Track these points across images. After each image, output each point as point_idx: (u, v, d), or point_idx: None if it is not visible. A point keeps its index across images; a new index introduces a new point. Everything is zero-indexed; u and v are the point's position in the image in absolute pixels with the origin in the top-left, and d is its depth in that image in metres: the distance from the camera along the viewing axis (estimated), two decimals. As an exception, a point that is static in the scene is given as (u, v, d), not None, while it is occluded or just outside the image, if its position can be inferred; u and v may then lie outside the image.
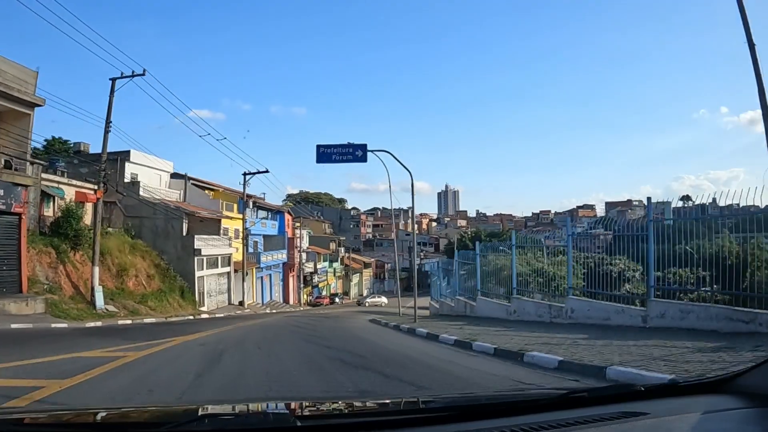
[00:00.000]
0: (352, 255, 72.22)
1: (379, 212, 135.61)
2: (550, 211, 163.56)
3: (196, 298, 26.96)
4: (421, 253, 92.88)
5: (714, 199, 8.92)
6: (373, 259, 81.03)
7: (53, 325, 14.67)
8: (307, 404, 2.21)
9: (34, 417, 1.79)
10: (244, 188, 32.97)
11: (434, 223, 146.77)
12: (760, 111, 9.65)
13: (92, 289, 18.69)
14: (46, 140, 35.31)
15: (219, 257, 30.94)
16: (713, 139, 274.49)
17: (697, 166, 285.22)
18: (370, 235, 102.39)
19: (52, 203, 23.84)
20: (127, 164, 29.80)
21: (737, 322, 7.54)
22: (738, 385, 1.85)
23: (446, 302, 20.56)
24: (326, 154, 15.43)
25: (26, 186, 18.07)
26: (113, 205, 29.48)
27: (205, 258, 28.57)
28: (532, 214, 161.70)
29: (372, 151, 15.58)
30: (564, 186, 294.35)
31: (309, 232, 56.78)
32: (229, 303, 32.05)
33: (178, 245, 27.44)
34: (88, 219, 27.84)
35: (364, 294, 65.08)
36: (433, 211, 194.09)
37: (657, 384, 2.36)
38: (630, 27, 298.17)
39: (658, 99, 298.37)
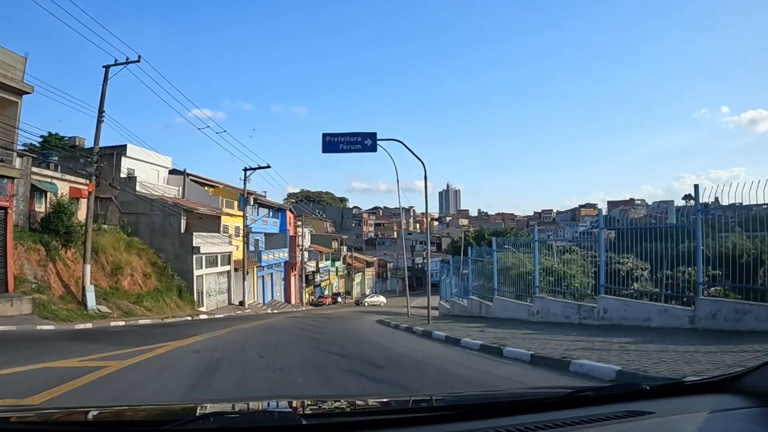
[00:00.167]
0: (355, 254, 71.20)
1: (381, 211, 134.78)
2: (552, 210, 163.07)
3: (195, 298, 25.85)
4: (423, 252, 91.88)
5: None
6: (375, 258, 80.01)
7: (39, 327, 13.62)
8: (310, 403, 2.17)
9: (21, 416, 1.75)
10: (245, 184, 31.89)
11: (436, 223, 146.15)
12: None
13: (83, 288, 17.62)
14: (42, 136, 34.41)
15: (219, 255, 29.82)
16: (714, 138, 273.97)
17: (698, 166, 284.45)
18: (372, 234, 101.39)
19: (44, 199, 22.82)
20: (123, 159, 28.66)
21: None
22: (743, 384, 1.83)
23: (458, 302, 19.46)
24: (333, 144, 14.33)
25: (12, 178, 16.99)
26: (109, 201, 28.42)
27: (204, 256, 27.45)
28: (534, 213, 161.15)
29: (382, 139, 14.49)
30: (565, 185, 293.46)
31: (311, 231, 55.73)
32: (229, 303, 30.94)
33: (176, 243, 26.34)
34: (82, 215, 26.88)
35: (367, 293, 64.02)
36: (434, 210, 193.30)
37: (662, 383, 2.30)
38: (631, 26, 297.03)
39: (659, 98, 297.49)
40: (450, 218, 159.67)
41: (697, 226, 8.93)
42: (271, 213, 42.30)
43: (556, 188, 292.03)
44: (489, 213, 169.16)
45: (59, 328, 14.09)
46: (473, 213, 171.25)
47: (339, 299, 52.30)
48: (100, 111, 18.59)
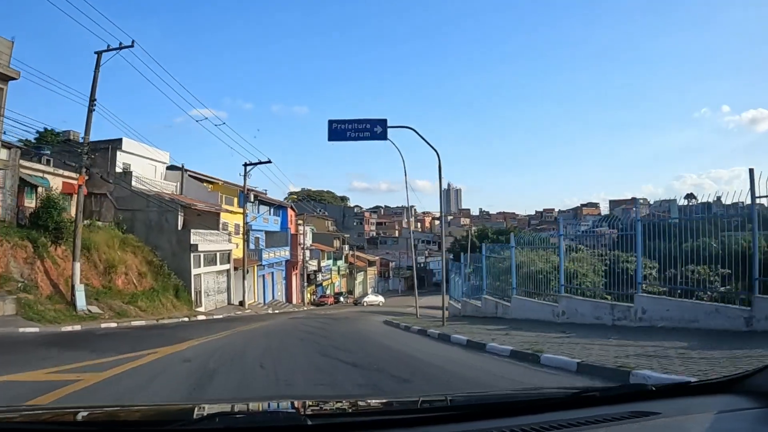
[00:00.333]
0: (357, 253, 70.11)
1: (382, 210, 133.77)
2: (553, 209, 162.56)
3: (193, 298, 24.74)
4: (426, 252, 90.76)
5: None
6: (377, 258, 78.87)
7: (21, 330, 12.55)
8: (311, 403, 2.12)
9: (8, 417, 1.67)
10: (245, 180, 30.78)
11: (437, 222, 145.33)
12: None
13: (73, 287, 16.55)
14: (38, 131, 33.44)
15: (218, 254, 28.72)
16: (715, 137, 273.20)
17: (699, 165, 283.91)
18: (374, 233, 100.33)
19: (35, 194, 21.78)
20: (118, 153, 27.59)
21: None
22: (749, 384, 1.81)
23: (470, 302, 18.38)
24: (340, 131, 13.24)
25: (-3, 169, 15.93)
26: (103, 197, 27.34)
27: (202, 254, 26.34)
28: (536, 212, 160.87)
29: (392, 127, 13.38)
30: (565, 185, 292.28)
31: (312, 229, 54.66)
32: (229, 303, 29.84)
33: (173, 240, 25.24)
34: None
35: (369, 292, 62.96)
36: (435, 209, 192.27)
37: (668, 384, 2.40)
38: (632, 25, 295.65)
39: (660, 97, 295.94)
40: (451, 217, 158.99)
41: (753, 216, 8.01)
42: (272, 211, 41.21)
43: (556, 188, 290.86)
44: (490, 212, 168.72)
45: (44, 330, 13.03)
46: (474, 212, 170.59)
47: (341, 299, 51.25)
48: (92, 99, 17.53)
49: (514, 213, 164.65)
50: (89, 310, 16.56)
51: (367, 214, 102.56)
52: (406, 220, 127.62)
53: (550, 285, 13.62)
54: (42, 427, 1.57)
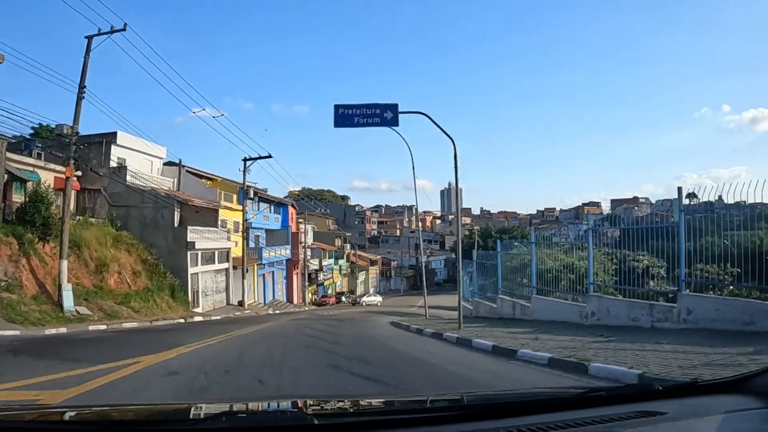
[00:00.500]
0: (358, 252, 69.03)
1: (383, 209, 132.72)
2: (555, 208, 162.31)
3: (189, 298, 23.62)
4: (428, 251, 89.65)
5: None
6: (379, 257, 77.78)
7: (1, 333, 11.49)
8: (312, 403, 2.08)
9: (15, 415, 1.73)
10: (244, 175, 29.66)
11: (438, 221, 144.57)
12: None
13: (59, 287, 15.47)
14: (33, 127, 32.42)
15: (216, 252, 27.61)
16: (715, 137, 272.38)
17: (699, 165, 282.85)
18: (375, 232, 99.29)
19: (24, 189, 20.70)
20: (113, 147, 26.51)
21: None
22: (757, 384, 1.79)
23: (484, 302, 17.28)
24: (346, 116, 12.12)
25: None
26: (97, 193, 26.28)
27: (199, 252, 25.23)
28: (537, 211, 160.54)
29: (404, 112, 12.27)
30: (566, 184, 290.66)
31: (313, 228, 53.59)
32: (228, 303, 28.73)
33: (169, 238, 24.13)
34: (69, 208, 24.74)
35: (371, 291, 61.89)
36: (436, 208, 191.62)
37: (675, 383, 2.41)
38: (632, 25, 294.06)
39: (660, 97, 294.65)
40: (452, 216, 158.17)
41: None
42: (272, 208, 40.10)
43: (556, 187, 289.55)
44: (491, 211, 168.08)
45: (25, 333, 11.96)
46: (476, 212, 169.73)
47: (343, 299, 50.20)
48: (81, 86, 16.46)
49: (515, 212, 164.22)
50: (77, 311, 15.47)
51: (368, 213, 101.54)
52: (407, 219, 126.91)
53: (577, 283, 12.64)
54: (49, 426, 1.57)
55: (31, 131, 30.72)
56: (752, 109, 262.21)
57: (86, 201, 26.20)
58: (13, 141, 23.25)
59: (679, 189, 9.28)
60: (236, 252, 29.66)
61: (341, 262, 60.22)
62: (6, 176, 19.13)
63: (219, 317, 22.04)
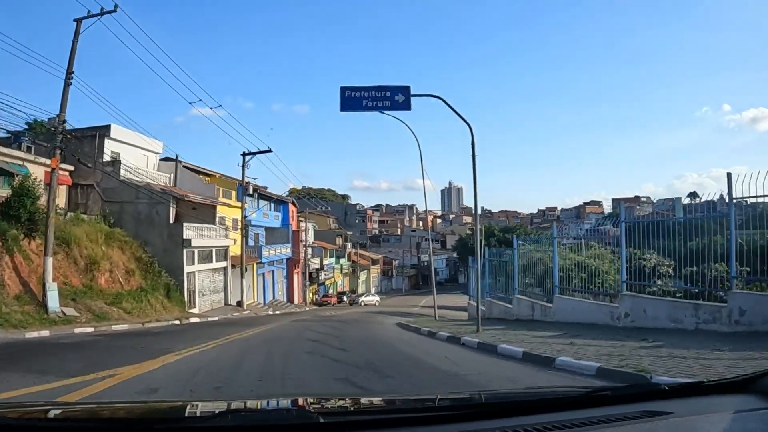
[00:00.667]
0: (359, 251, 67.99)
1: (384, 209, 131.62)
2: (556, 207, 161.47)
3: (185, 298, 22.53)
4: (428, 250, 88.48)
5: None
6: (380, 256, 76.71)
7: (-26, 337, 10.47)
8: (312, 401, 2.00)
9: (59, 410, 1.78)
10: (243, 170, 28.58)
11: (439, 220, 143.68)
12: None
13: (44, 286, 14.42)
14: (27, 123, 31.40)
15: (213, 250, 26.52)
16: (715, 137, 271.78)
17: (700, 165, 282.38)
18: (376, 231, 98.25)
19: (12, 183, 19.65)
20: (107, 141, 25.46)
21: None
22: (764, 384, 1.77)
23: (498, 303, 16.26)
24: (354, 100, 11.05)
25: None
26: (90, 188, 25.21)
27: (196, 250, 24.15)
28: (538, 210, 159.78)
29: (417, 95, 11.20)
30: (566, 184, 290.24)
31: (314, 226, 52.54)
32: (226, 303, 27.65)
33: (164, 235, 23.05)
34: (61, 202, 23.62)
35: (372, 291, 60.82)
36: (436, 208, 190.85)
37: (681, 383, 2.26)
38: (633, 25, 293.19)
39: (661, 97, 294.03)
40: (453, 216, 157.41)
41: None
42: (272, 206, 38.99)
43: (556, 187, 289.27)
44: (492, 211, 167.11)
45: (4, 337, 10.94)
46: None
47: (345, 298, 49.15)
48: (69, 72, 15.41)
49: (516, 211, 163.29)
50: (63, 313, 14.42)
51: (369, 212, 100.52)
52: (408, 218, 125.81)
53: (603, 282, 11.68)
54: (57, 424, 1.57)
55: (26, 126, 29.81)
56: (752, 109, 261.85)
57: (79, 197, 25.15)
58: (3, 136, 22.31)
59: (729, 175, 8.29)
60: (235, 250, 28.59)
61: (342, 261, 59.19)
62: (-8, 170, 18.13)
63: (216, 318, 20.99)
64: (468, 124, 11.11)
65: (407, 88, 11.14)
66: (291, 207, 43.53)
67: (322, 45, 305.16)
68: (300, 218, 45.77)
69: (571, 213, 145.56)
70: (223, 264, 27.57)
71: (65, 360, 7.35)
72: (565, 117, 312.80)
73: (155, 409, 2.03)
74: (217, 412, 1.71)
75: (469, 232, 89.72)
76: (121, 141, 26.23)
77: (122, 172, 23.96)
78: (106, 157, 24.82)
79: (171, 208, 23.56)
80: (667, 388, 1.86)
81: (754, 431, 1.54)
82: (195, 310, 22.93)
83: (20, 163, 21.88)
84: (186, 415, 1.70)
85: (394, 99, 11.02)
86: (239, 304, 27.98)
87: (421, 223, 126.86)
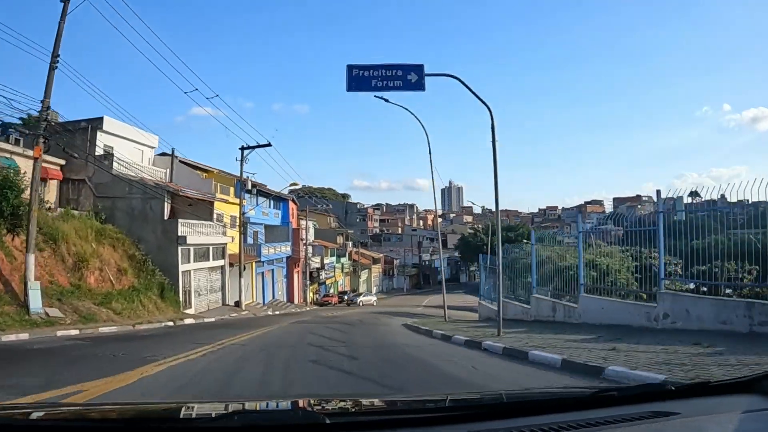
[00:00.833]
0: (361, 250, 66.95)
1: (384, 208, 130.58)
2: (557, 207, 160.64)
3: (180, 298, 21.47)
4: (429, 249, 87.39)
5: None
6: (381, 255, 75.65)
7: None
8: (314, 402, 2.02)
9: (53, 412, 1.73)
10: (242, 165, 27.51)
11: (440, 220, 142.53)
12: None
13: (25, 284, 13.38)
14: (21, 119, 30.39)
15: (210, 248, 25.47)
16: (716, 136, 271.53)
17: (700, 164, 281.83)
18: (377, 230, 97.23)
19: (-2, 177, 18.61)
20: (99, 134, 24.36)
21: None
22: None
23: (513, 303, 15.24)
24: (362, 79, 9.99)
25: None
26: (82, 183, 24.16)
27: (192, 248, 23.10)
28: (539, 210, 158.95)
29: (431, 74, 10.14)
30: (567, 184, 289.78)
31: (314, 225, 51.50)
32: (223, 303, 26.59)
33: (158, 231, 22.01)
34: (52, 197, 22.59)
35: (372, 291, 59.77)
36: (437, 207, 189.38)
37: (688, 383, 2.24)
38: (633, 25, 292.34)
39: (661, 97, 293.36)
40: (454, 215, 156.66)
41: None
42: (272, 203, 37.93)
43: (556, 187, 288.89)
44: (492, 210, 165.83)
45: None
46: (476, 210, 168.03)
47: (345, 298, 48.11)
48: (54, 55, 14.38)
49: (517, 211, 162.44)
50: (46, 313, 13.38)
51: (370, 210, 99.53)
52: (409, 217, 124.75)
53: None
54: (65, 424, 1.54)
55: (20, 121, 28.76)
56: (752, 108, 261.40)
57: (70, 192, 24.11)
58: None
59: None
60: (233, 248, 27.55)
61: (343, 260, 58.18)
62: (-26, 161, 17.08)
63: (213, 319, 19.95)
64: (487, 106, 10.07)
65: (421, 66, 10.08)
66: (291, 205, 42.49)
67: (322, 45, 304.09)
68: (300, 216, 44.75)
69: (572, 212, 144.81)
70: (220, 262, 26.53)
71: (32, 370, 6.33)
72: (565, 116, 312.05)
73: (158, 410, 1.98)
74: (222, 413, 1.71)
75: (470, 231, 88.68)
76: (114, 134, 25.13)
77: (115, 166, 22.93)
78: (99, 151, 23.77)
79: (166, 204, 22.51)
80: (673, 388, 1.84)
81: (760, 431, 1.52)
82: (190, 311, 21.88)
83: (7, 155, 20.82)
84: (193, 416, 1.70)
85: (406, 79, 9.96)
86: (237, 304, 26.94)
87: (421, 222, 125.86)
